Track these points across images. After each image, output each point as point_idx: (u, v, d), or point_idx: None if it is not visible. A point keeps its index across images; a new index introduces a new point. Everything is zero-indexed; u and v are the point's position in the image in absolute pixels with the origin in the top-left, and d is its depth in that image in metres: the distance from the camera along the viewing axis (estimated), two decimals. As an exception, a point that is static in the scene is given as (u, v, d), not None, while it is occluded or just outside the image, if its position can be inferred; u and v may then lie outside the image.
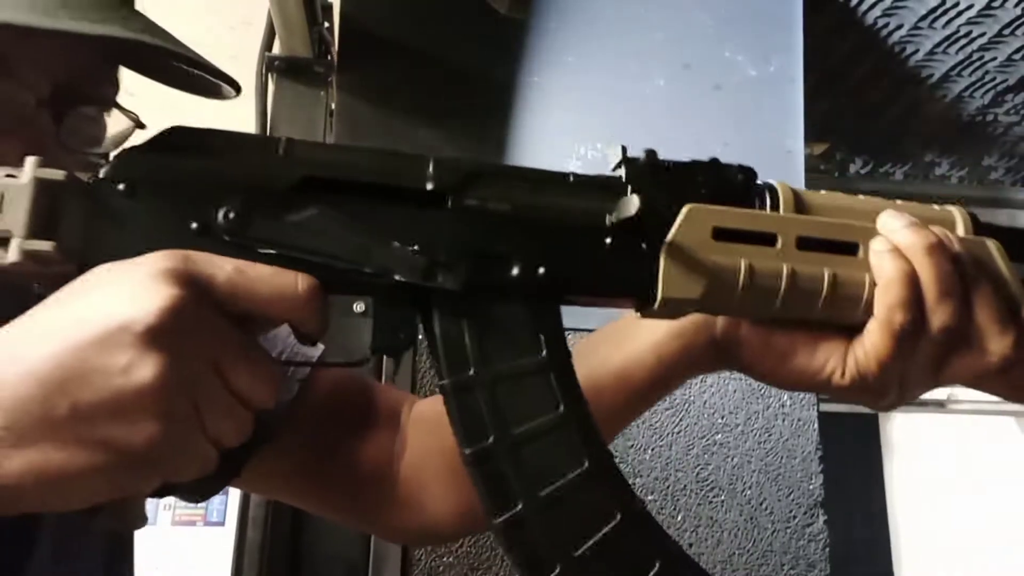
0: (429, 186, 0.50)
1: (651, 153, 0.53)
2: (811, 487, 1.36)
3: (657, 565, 0.49)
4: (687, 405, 1.36)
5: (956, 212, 0.58)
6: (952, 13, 1.68)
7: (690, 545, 1.30)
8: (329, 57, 1.45)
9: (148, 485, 0.43)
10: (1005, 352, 0.53)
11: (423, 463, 0.70)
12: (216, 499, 2.93)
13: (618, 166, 0.53)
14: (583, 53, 1.45)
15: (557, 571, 0.48)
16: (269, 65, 1.43)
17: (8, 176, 0.44)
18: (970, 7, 1.66)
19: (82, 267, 0.44)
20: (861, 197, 0.58)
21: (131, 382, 0.39)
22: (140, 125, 0.63)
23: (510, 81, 1.42)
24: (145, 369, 0.40)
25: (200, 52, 0.61)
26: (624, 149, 0.53)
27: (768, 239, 0.53)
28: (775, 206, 0.55)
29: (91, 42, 0.54)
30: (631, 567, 0.49)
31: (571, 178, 0.53)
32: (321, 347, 0.69)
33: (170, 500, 2.99)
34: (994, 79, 1.91)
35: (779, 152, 1.45)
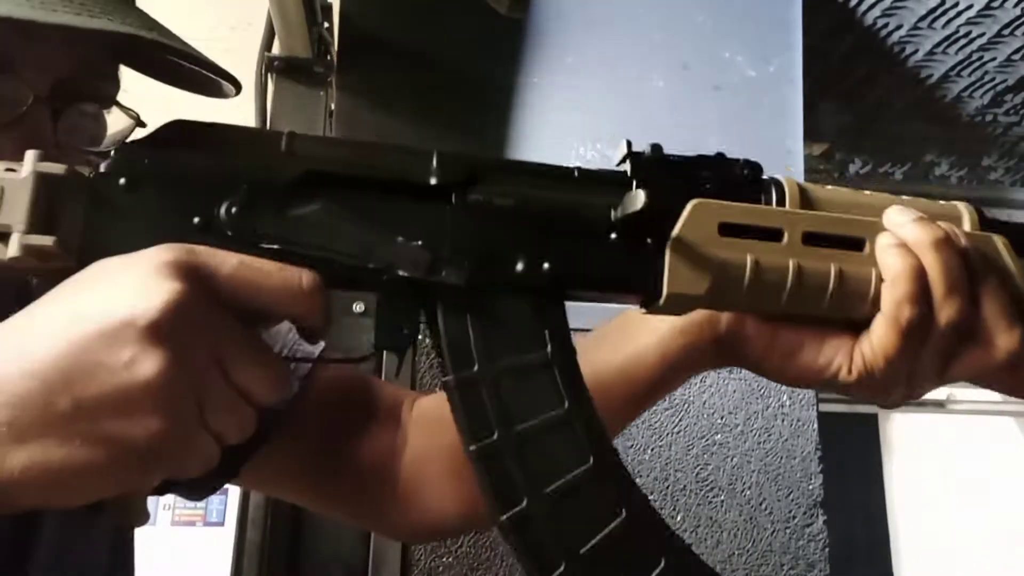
0: (433, 181, 0.50)
1: (656, 147, 0.53)
2: (811, 487, 1.36)
3: (662, 562, 0.49)
4: (687, 405, 1.36)
5: (962, 208, 0.58)
6: (951, 13, 1.68)
7: (689, 545, 1.30)
8: (329, 57, 1.45)
9: (150, 481, 0.43)
10: (1013, 348, 0.53)
11: (424, 460, 0.70)
12: (216, 499, 2.94)
13: (623, 160, 0.53)
14: (582, 54, 1.45)
15: (562, 569, 0.48)
16: (269, 65, 1.43)
17: (8, 171, 0.43)
18: (970, 7, 1.66)
19: (82, 262, 0.43)
20: (867, 192, 0.57)
21: (134, 377, 0.39)
22: (140, 123, 0.62)
23: (510, 82, 1.42)
24: (148, 364, 0.39)
25: (201, 52, 0.60)
26: (629, 144, 0.53)
27: (774, 235, 0.53)
28: (781, 201, 0.54)
29: (90, 37, 0.54)
30: (636, 565, 0.49)
31: (576, 173, 0.53)
32: (322, 344, 0.68)
33: (170, 500, 2.99)
34: (994, 79, 1.91)
35: (779, 152, 1.45)
